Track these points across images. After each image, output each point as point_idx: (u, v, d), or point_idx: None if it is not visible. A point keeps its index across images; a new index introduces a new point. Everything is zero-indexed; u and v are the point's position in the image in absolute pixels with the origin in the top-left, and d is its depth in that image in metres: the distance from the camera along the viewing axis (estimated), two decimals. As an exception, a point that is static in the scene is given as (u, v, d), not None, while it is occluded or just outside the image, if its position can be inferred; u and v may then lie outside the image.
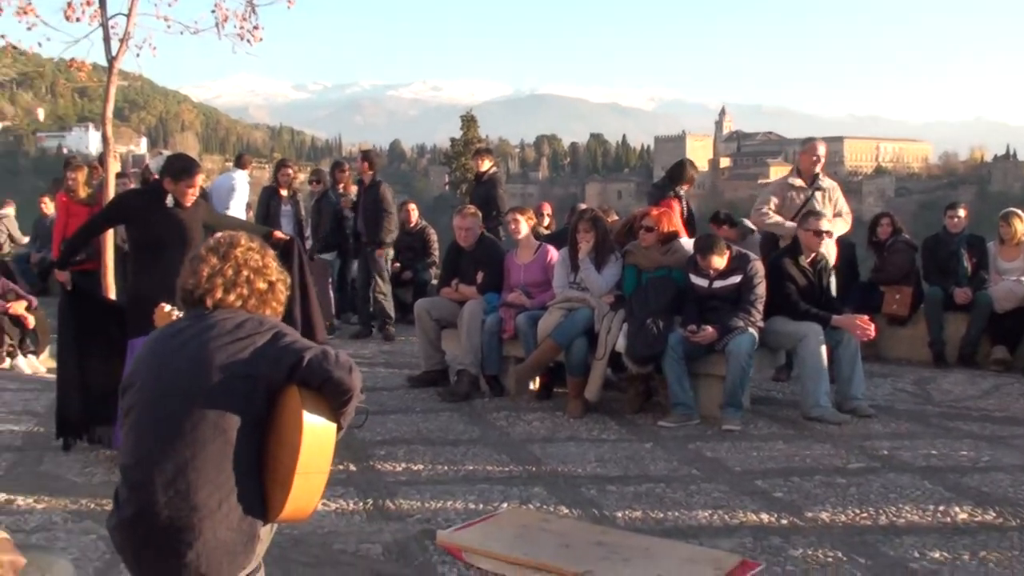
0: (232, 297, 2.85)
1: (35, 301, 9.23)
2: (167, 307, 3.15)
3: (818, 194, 7.83)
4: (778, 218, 7.77)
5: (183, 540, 2.62)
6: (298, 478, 2.63)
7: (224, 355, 2.69)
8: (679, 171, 9.34)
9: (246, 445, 2.67)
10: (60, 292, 6.19)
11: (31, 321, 8.95)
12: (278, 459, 2.69)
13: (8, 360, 8.80)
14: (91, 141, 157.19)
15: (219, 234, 2.99)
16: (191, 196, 5.75)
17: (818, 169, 7.95)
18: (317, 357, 2.66)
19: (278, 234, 6.18)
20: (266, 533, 2.78)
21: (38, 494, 5.01)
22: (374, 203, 10.29)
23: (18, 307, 8.90)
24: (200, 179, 5.98)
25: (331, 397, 2.66)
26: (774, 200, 7.92)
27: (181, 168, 5.79)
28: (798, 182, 7.93)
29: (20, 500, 4.92)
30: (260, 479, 2.72)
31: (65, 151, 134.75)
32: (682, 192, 9.06)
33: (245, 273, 2.87)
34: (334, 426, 2.69)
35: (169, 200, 5.70)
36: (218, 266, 2.86)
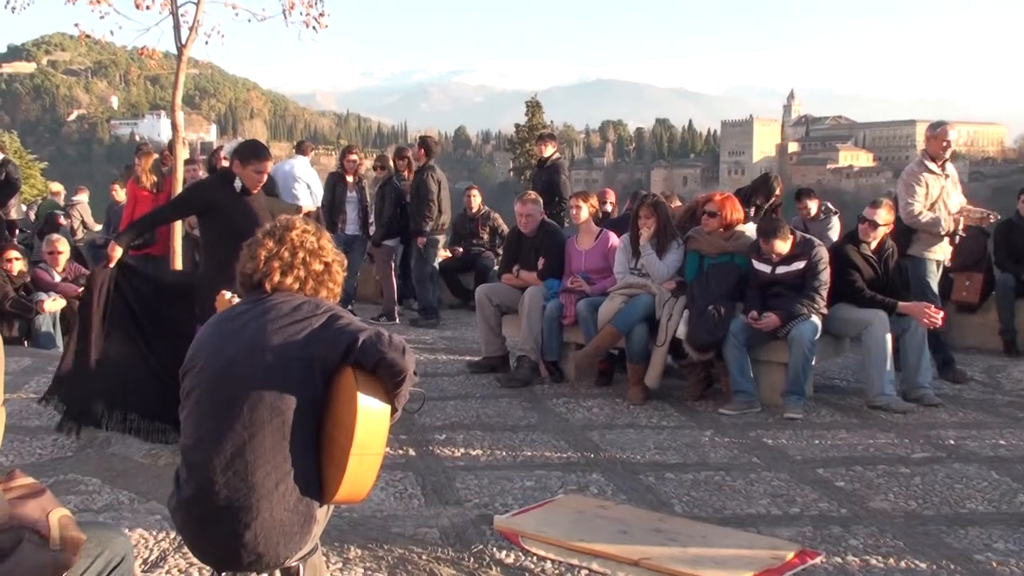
0: (290, 280, 2.90)
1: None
2: (227, 294, 3.21)
3: (948, 181, 7.36)
4: (931, 215, 7.14)
5: (241, 520, 2.67)
6: (353, 459, 2.67)
7: (280, 337, 2.74)
8: (765, 185, 8.23)
9: (302, 426, 2.72)
10: (96, 264, 6.09)
11: (102, 305, 9.15)
12: (334, 440, 2.74)
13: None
14: (163, 128, 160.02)
15: (276, 219, 3.03)
16: (258, 181, 5.81)
17: (948, 155, 7.40)
18: (371, 338, 2.70)
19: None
20: (323, 514, 2.83)
21: (105, 475, 5.14)
22: (417, 189, 10.36)
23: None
24: (269, 165, 6.01)
25: (385, 378, 2.70)
26: (919, 192, 7.22)
27: (252, 153, 5.85)
28: (933, 169, 7.29)
29: (89, 481, 5.04)
30: (317, 460, 2.76)
31: (137, 138, 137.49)
32: (765, 207, 8.10)
33: (301, 255, 2.93)
34: (388, 407, 2.72)
35: (237, 183, 5.76)
36: (275, 249, 2.92)
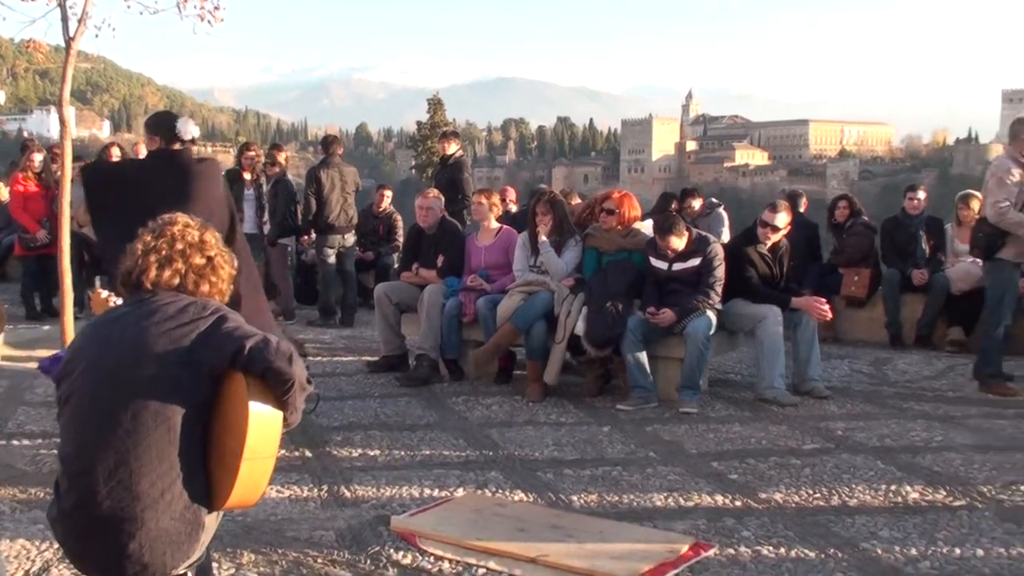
0: (168, 274, 2.79)
1: (-11, 287, 9.10)
2: (103, 292, 3.10)
3: None
4: (1021, 215, 6.69)
5: (125, 530, 2.58)
6: (245, 464, 2.60)
7: (166, 341, 2.64)
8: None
9: (190, 432, 2.63)
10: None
11: (-15, 308, 8.82)
12: (224, 444, 2.66)
13: (-40, 346, 8.66)
14: (52, 124, 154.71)
15: (159, 216, 2.93)
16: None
17: None
18: (258, 345, 2.62)
19: None
20: (212, 521, 2.75)
21: (-15, 482, 4.94)
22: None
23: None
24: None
25: (273, 386, 2.63)
26: (1012, 190, 6.72)
27: (174, 119, 5.74)
28: (1017, 171, 6.78)
29: (-33, 489, 4.84)
30: (206, 466, 2.68)
31: (25, 134, 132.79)
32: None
33: (180, 246, 2.82)
34: (280, 412, 2.66)
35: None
36: (152, 243, 2.82)
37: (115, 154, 10.96)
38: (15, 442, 5.73)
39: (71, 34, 8.93)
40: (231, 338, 2.66)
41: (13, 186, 10.79)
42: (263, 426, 2.62)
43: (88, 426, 2.63)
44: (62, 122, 8.48)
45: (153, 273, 2.78)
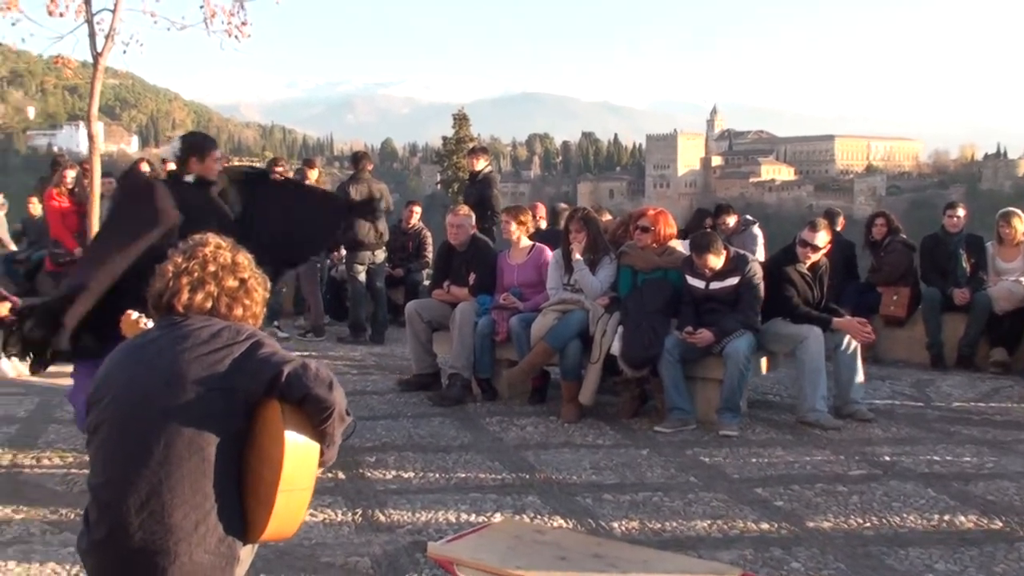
0: (200, 297, 2.70)
1: (19, 302, 9.05)
2: (134, 315, 3.00)
3: None
4: None
5: (158, 564, 2.47)
6: (281, 495, 2.50)
7: (199, 367, 2.54)
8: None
9: (224, 462, 2.53)
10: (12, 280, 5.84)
11: (15, 323, 8.78)
12: (259, 475, 2.56)
13: (-9, 363, 8.63)
14: (81, 139, 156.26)
15: (191, 237, 2.84)
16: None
17: None
18: (296, 371, 2.52)
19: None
20: (247, 554, 2.64)
21: (17, 504, 4.86)
22: None
23: (1, 308, 8.72)
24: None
25: (311, 414, 2.52)
26: None
27: (209, 143, 5.62)
28: None
29: (-3, 510, 4.76)
30: (240, 497, 2.58)
31: (55, 149, 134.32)
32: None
33: (212, 269, 2.73)
34: (316, 443, 2.55)
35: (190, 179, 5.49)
36: (183, 265, 2.72)
37: (144, 169, 10.95)
38: (45, 461, 5.67)
39: (99, 50, 8.96)
40: (268, 364, 2.56)
41: (48, 202, 10.81)
42: (299, 456, 2.51)
43: (119, 455, 2.53)
44: (90, 137, 8.50)
45: (185, 296, 2.69)
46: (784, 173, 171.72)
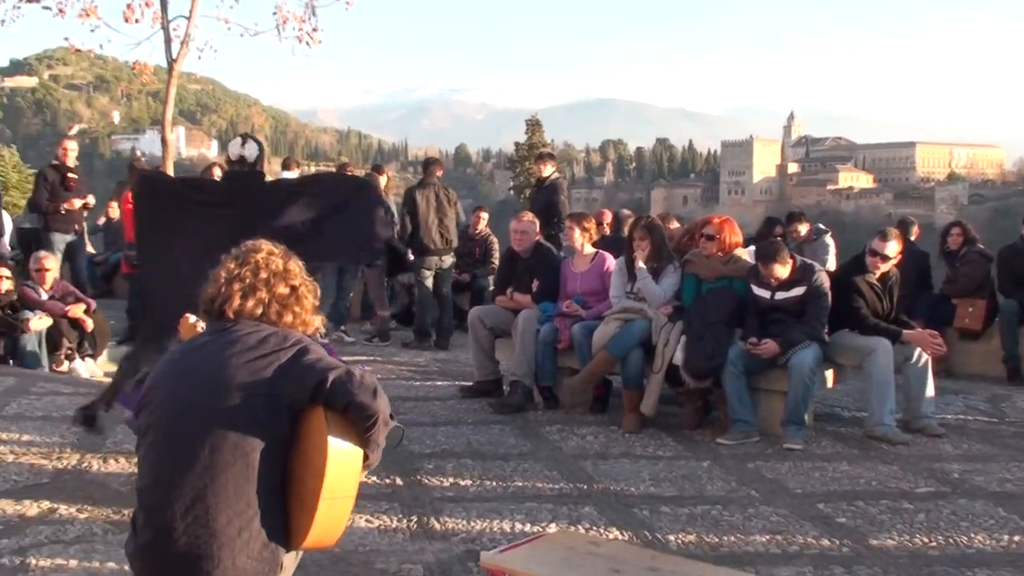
0: (251, 303, 2.72)
1: (94, 304, 9.28)
2: (192, 317, 3.03)
3: None
4: None
5: (202, 568, 2.50)
6: (323, 502, 2.50)
7: (245, 373, 2.56)
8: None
9: (269, 468, 2.54)
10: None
11: (90, 324, 9.01)
12: (303, 482, 2.57)
13: (66, 363, 8.85)
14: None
15: (243, 243, 2.87)
16: None
17: None
18: (341, 378, 2.52)
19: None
20: (290, 561, 2.65)
21: (81, 503, 4.95)
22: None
23: (77, 310, 8.96)
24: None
25: (355, 421, 2.52)
26: None
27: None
28: None
29: (63, 509, 4.86)
30: (284, 503, 2.59)
31: (138, 153, 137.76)
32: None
33: (264, 275, 2.75)
34: (360, 450, 2.55)
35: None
36: (236, 271, 2.74)
37: (216, 174, 11.14)
38: (112, 462, 5.77)
39: (174, 56, 9.16)
40: (313, 370, 2.56)
41: (124, 205, 11.04)
42: (342, 464, 2.52)
43: (165, 460, 2.56)
44: (164, 143, 8.68)
45: (237, 302, 2.71)
46: (863, 180, 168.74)
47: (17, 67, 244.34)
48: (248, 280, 2.73)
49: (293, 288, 2.79)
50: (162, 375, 2.70)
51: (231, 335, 2.66)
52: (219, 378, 2.57)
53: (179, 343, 2.94)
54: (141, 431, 2.66)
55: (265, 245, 2.84)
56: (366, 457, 2.58)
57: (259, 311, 2.72)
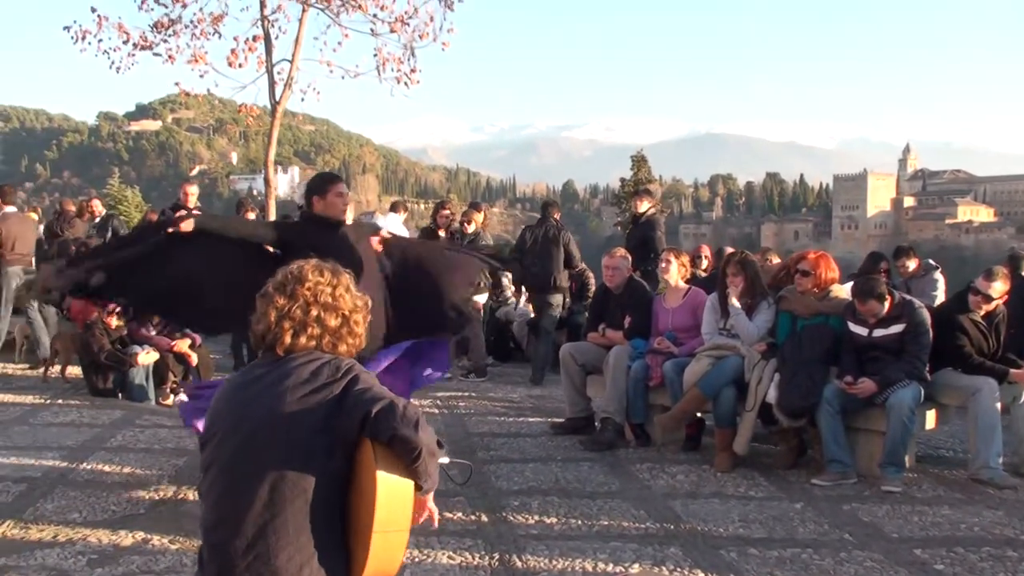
0: (303, 340, 2.69)
1: (199, 338, 9.54)
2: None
3: None
4: None
5: None
6: (376, 536, 2.50)
7: (301, 408, 2.56)
8: None
9: (327, 504, 2.55)
10: None
11: (194, 358, 9.27)
12: (359, 516, 2.57)
13: (172, 397, 9.12)
14: (280, 182, 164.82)
15: (288, 268, 2.80)
16: (345, 204, 5.65)
17: None
18: (384, 411, 2.51)
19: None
20: (352, 596, 2.65)
21: (174, 534, 5.05)
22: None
23: (182, 344, 9.23)
24: (344, 187, 5.79)
25: (400, 454, 2.51)
26: None
27: (326, 179, 5.77)
28: None
29: (156, 540, 4.97)
30: (343, 539, 2.59)
31: (254, 192, 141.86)
32: None
33: (315, 312, 2.70)
34: (411, 481, 2.54)
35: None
36: (286, 307, 2.70)
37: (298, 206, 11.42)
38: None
39: (277, 98, 9.44)
40: (360, 402, 2.55)
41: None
42: (392, 497, 2.51)
43: (226, 497, 2.58)
44: (266, 182, 8.93)
45: (288, 340, 2.69)
46: (983, 214, 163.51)
47: (142, 111, 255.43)
48: (299, 317, 2.70)
49: (344, 318, 2.75)
50: (221, 410, 2.72)
51: (284, 367, 2.66)
52: (275, 414, 2.57)
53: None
54: (203, 467, 2.69)
55: (311, 273, 2.76)
56: (418, 487, 2.57)
57: (312, 344, 2.71)
